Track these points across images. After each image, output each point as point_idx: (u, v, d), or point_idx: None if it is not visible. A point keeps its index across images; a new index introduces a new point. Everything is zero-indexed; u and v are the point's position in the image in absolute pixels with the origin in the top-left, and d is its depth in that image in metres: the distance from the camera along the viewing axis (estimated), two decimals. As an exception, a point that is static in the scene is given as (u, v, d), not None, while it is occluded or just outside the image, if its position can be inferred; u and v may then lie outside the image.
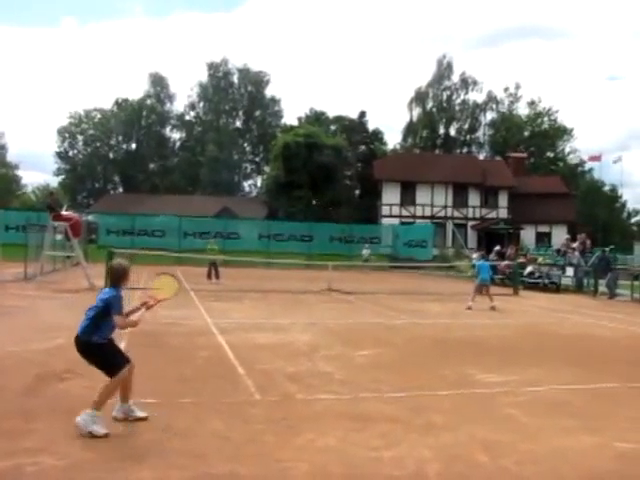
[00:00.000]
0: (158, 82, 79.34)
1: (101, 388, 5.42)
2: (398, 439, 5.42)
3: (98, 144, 78.12)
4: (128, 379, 5.64)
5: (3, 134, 78.06)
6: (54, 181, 78.85)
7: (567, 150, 75.72)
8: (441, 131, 76.52)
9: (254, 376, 7.58)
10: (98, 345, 5.45)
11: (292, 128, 62.02)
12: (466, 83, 75.85)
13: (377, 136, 72.37)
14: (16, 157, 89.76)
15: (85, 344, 5.44)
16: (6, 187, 75.97)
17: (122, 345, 9.28)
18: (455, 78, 75.59)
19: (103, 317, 5.45)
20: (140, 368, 7.90)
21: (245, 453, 4.94)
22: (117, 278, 5.82)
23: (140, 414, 5.66)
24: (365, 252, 38.67)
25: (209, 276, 22.90)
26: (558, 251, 30.11)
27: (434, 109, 75.61)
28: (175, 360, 8.51)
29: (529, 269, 26.33)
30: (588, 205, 61.14)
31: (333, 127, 69.76)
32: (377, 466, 4.76)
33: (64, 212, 22.37)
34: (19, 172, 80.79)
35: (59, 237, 23.34)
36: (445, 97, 75.82)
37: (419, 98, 75.63)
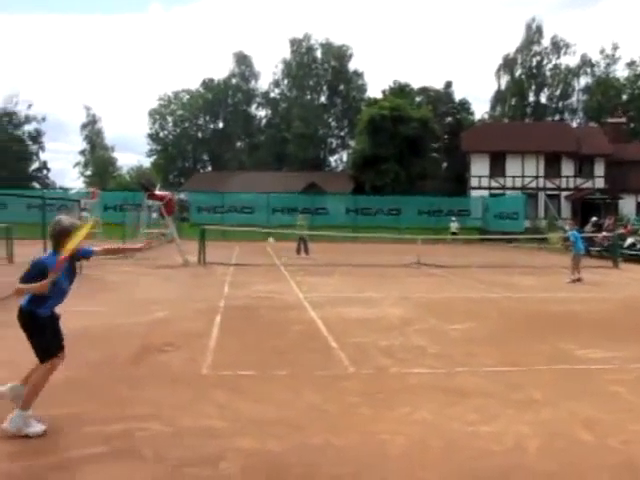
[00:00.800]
0: (242, 61, 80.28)
1: (29, 385, 4.78)
2: (495, 414, 5.32)
3: (187, 124, 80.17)
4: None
5: (100, 119, 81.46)
6: (146, 162, 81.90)
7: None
8: (531, 99, 73.55)
9: (347, 349, 7.64)
10: (42, 320, 4.81)
11: (377, 101, 61.33)
12: (558, 47, 72.36)
13: (464, 106, 70.56)
14: (111, 140, 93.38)
15: (26, 317, 4.79)
16: (104, 169, 79.49)
17: (217, 319, 9.63)
18: (545, 42, 72.31)
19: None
20: (235, 341, 8.17)
21: (341, 425, 5.00)
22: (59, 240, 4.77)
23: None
24: (453, 225, 38.09)
25: (298, 251, 23.18)
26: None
27: (523, 76, 72.66)
28: (269, 333, 8.69)
29: (630, 241, 25.06)
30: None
31: (418, 99, 68.49)
32: (475, 440, 4.70)
33: (158, 191, 23.17)
34: (114, 154, 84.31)
35: (154, 215, 24.27)
36: (535, 63, 72.66)
37: (507, 65, 72.89)
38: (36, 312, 4.76)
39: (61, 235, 4.73)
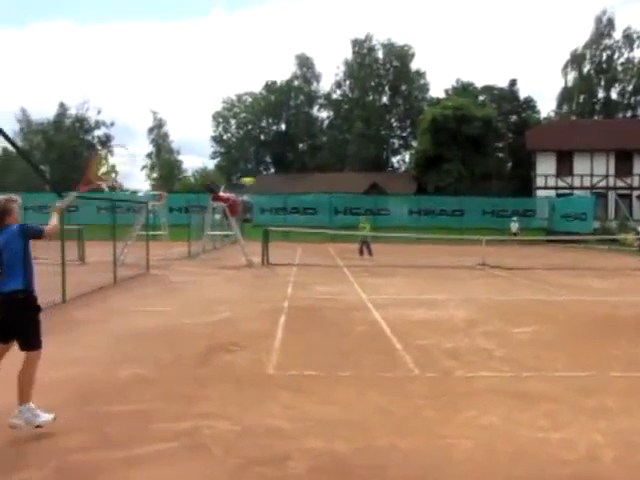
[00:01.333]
0: (304, 63, 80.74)
1: (20, 379, 4.68)
2: (566, 421, 5.17)
3: (250, 127, 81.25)
4: None
5: (166, 122, 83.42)
6: (210, 164, 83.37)
7: None
8: (600, 95, 71.13)
9: (412, 351, 7.57)
10: (36, 305, 4.78)
11: (439, 101, 60.67)
12: (630, 39, 69.64)
13: (529, 104, 68.92)
14: (176, 143, 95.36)
15: (24, 301, 4.68)
16: (169, 171, 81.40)
17: (281, 319, 9.71)
18: (617, 35, 69.72)
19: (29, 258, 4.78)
20: (300, 341, 8.22)
21: (407, 427, 4.96)
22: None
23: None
24: (513, 225, 37.09)
25: (361, 252, 23.16)
26: None
27: (592, 71, 70.35)
28: (333, 334, 8.70)
29: None
30: None
31: (481, 97, 67.33)
32: (545, 447, 4.57)
33: (222, 193, 23.56)
34: (180, 157, 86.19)
35: (218, 217, 24.69)
36: (605, 57, 70.20)
37: (575, 61, 70.65)
38: (33, 293, 4.76)
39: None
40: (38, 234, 4.83)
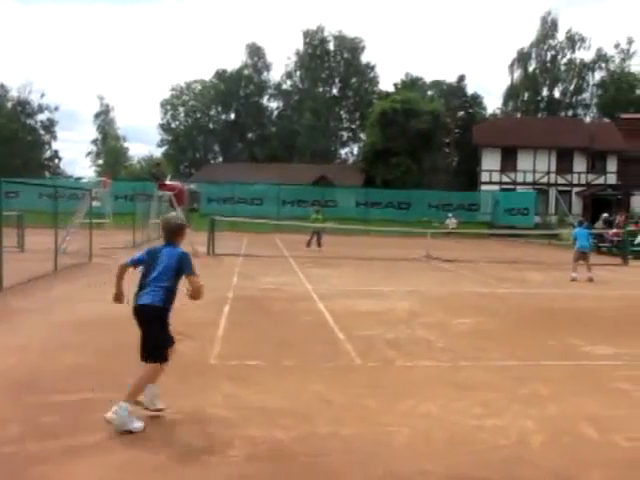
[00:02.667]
0: (255, 52, 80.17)
1: (138, 378, 4.80)
2: (501, 408, 5.34)
3: (199, 115, 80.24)
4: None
5: (113, 108, 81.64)
6: (158, 152, 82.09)
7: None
8: (544, 93, 73.10)
9: (354, 342, 7.68)
10: (165, 316, 4.92)
11: (388, 95, 61.19)
12: (573, 41, 71.75)
13: (476, 101, 70.25)
14: (123, 130, 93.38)
15: (160, 310, 4.85)
16: (115, 158, 79.78)
17: (225, 309, 9.69)
18: (560, 36, 71.72)
19: (177, 280, 4.89)
20: (243, 331, 8.23)
21: (348, 416, 5.04)
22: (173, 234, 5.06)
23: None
24: (449, 222, 36.19)
25: (309, 244, 23.24)
26: (673, 218, 28.28)
27: (537, 70, 72.21)
28: (277, 324, 8.75)
29: (640, 238, 24.94)
30: None
31: (430, 92, 68.25)
32: (479, 434, 4.73)
33: (168, 182, 23.23)
34: (126, 144, 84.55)
35: (164, 206, 24.34)
36: (549, 57, 72.15)
37: (521, 59, 72.39)
38: (169, 309, 4.90)
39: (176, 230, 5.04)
40: (189, 273, 4.81)
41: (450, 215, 37.63)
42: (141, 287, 4.88)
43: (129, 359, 6.57)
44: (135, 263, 5.08)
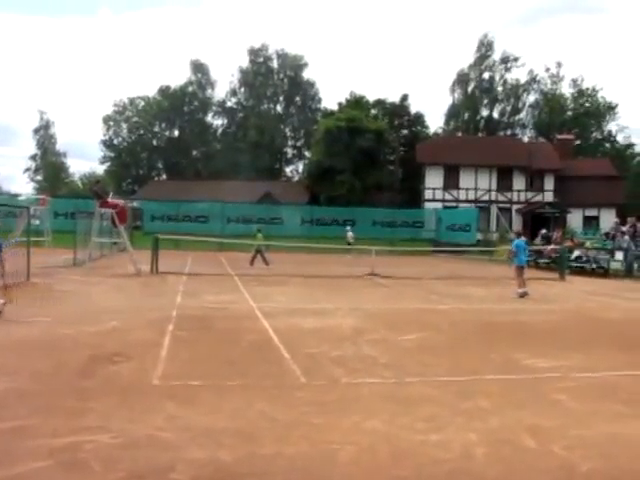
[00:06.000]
0: (199, 69, 79.77)
1: None
2: (444, 422, 5.42)
3: (142, 131, 79.15)
4: None
5: (53, 123, 79.75)
6: (100, 169, 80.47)
7: (614, 129, 73.42)
8: (484, 113, 75.26)
9: (299, 360, 7.66)
10: None
11: (333, 113, 61.75)
12: (506, 62, 74.28)
13: (419, 120, 71.57)
14: (63, 146, 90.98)
15: None
16: (55, 175, 77.81)
17: (169, 328, 9.54)
18: (496, 57, 74.17)
19: None
20: (187, 351, 8.11)
21: (292, 434, 5.02)
22: None
23: None
24: (349, 235, 35.10)
25: (252, 262, 23.18)
26: (607, 235, 29.36)
27: (476, 91, 74.36)
28: (221, 343, 8.65)
29: (576, 253, 25.78)
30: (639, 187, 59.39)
31: (374, 111, 69.19)
32: (424, 449, 4.78)
33: (110, 199, 22.80)
34: (66, 160, 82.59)
35: (106, 224, 23.85)
36: (487, 77, 74.45)
37: (461, 80, 74.46)
38: None
39: None
40: None
41: (348, 228, 36.61)
42: None
43: (67, 381, 6.41)
44: None
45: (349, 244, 34.05)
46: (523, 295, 15.62)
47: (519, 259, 16.32)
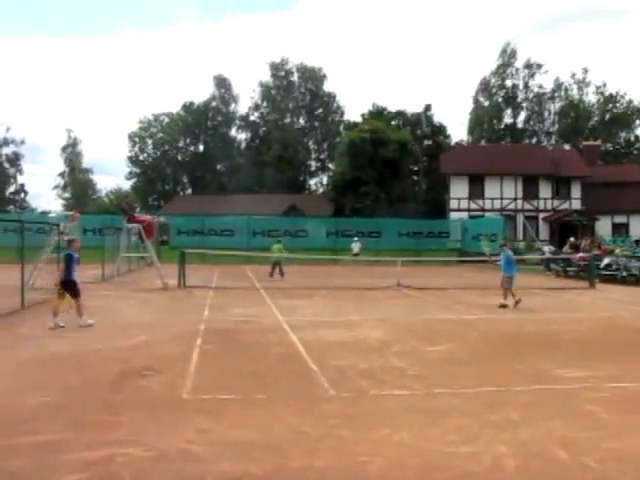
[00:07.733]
0: (222, 84, 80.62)
1: None
2: (474, 434, 5.38)
3: (167, 147, 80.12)
4: None
5: (80, 141, 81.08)
6: (126, 185, 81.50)
7: (643, 132, 72.29)
8: (508, 121, 74.82)
9: (327, 372, 7.67)
10: None
11: (356, 125, 61.89)
12: (531, 70, 73.82)
13: (441, 130, 71.41)
14: (90, 163, 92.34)
15: None
16: (82, 192, 78.97)
17: (197, 342, 9.62)
18: (519, 65, 73.77)
19: None
20: (216, 365, 8.16)
21: (321, 447, 5.02)
22: None
23: None
24: (355, 246, 34.56)
25: (271, 274, 23.32)
26: (637, 242, 28.89)
27: (500, 99, 74.01)
28: (249, 357, 8.69)
29: (606, 261, 25.39)
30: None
31: (395, 122, 69.19)
32: (453, 461, 4.75)
33: (137, 215, 23.09)
34: (93, 177, 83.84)
35: (133, 239, 24.15)
36: (511, 86, 74.06)
37: (484, 89, 74.21)
38: None
39: None
40: None
41: (356, 239, 35.77)
42: None
43: (98, 395, 6.49)
44: None
45: (356, 255, 33.64)
46: (504, 306, 15.24)
47: (507, 269, 15.87)
